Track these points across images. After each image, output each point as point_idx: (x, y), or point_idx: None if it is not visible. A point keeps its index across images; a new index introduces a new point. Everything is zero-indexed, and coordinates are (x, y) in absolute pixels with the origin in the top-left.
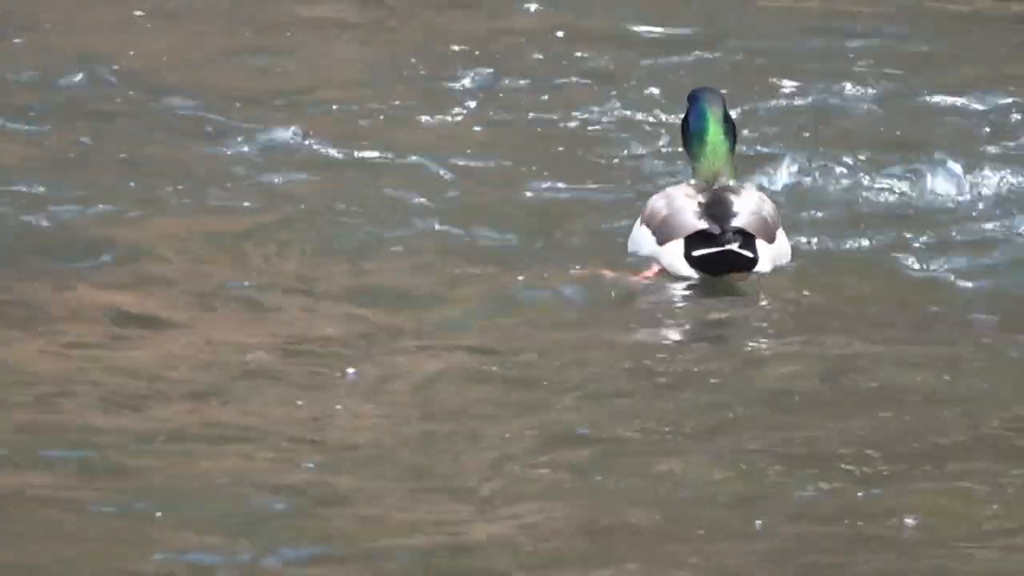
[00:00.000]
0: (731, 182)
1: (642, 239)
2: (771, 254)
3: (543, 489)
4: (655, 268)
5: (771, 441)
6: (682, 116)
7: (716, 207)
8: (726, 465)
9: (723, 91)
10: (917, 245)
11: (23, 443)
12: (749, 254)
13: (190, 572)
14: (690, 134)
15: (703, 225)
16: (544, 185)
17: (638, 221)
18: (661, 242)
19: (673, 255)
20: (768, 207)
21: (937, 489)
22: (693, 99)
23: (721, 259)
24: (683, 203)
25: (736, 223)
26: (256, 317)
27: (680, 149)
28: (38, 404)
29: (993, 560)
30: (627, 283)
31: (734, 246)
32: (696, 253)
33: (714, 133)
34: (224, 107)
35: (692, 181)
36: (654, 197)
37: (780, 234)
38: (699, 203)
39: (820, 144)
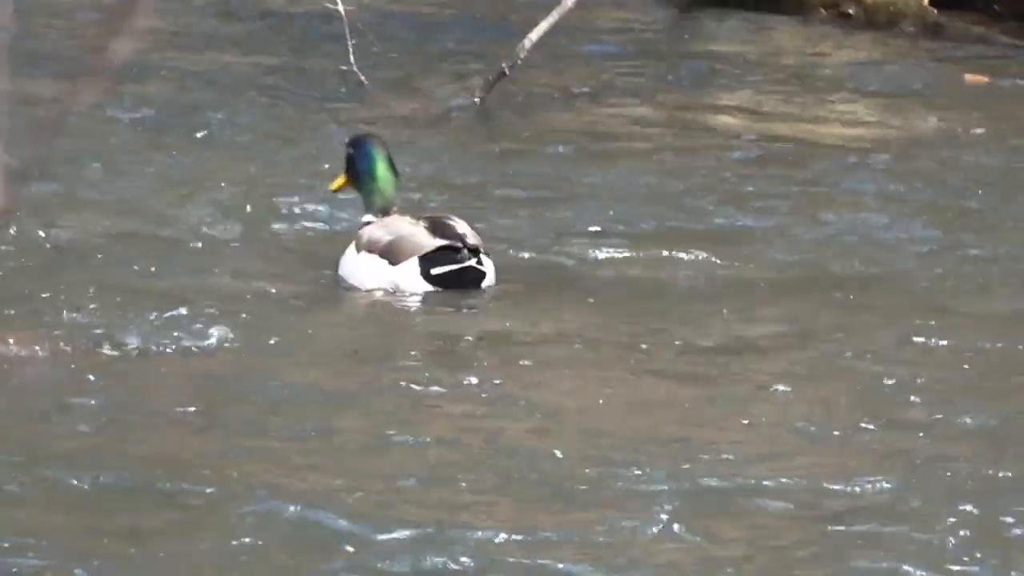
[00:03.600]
0: (397, 211)
1: (367, 265)
2: (494, 269)
3: None
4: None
5: None
6: (347, 159)
7: (443, 228)
8: None
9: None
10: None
11: None
12: (484, 269)
13: None
14: (359, 172)
15: (441, 242)
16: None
17: (351, 252)
18: (395, 263)
19: (409, 274)
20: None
21: None
22: (358, 143)
23: (460, 275)
24: (409, 227)
25: (469, 241)
26: None
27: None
28: None
29: None
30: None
31: (472, 262)
32: (437, 271)
33: (382, 169)
34: None
35: (367, 216)
36: (368, 228)
37: None
38: (425, 226)
39: None
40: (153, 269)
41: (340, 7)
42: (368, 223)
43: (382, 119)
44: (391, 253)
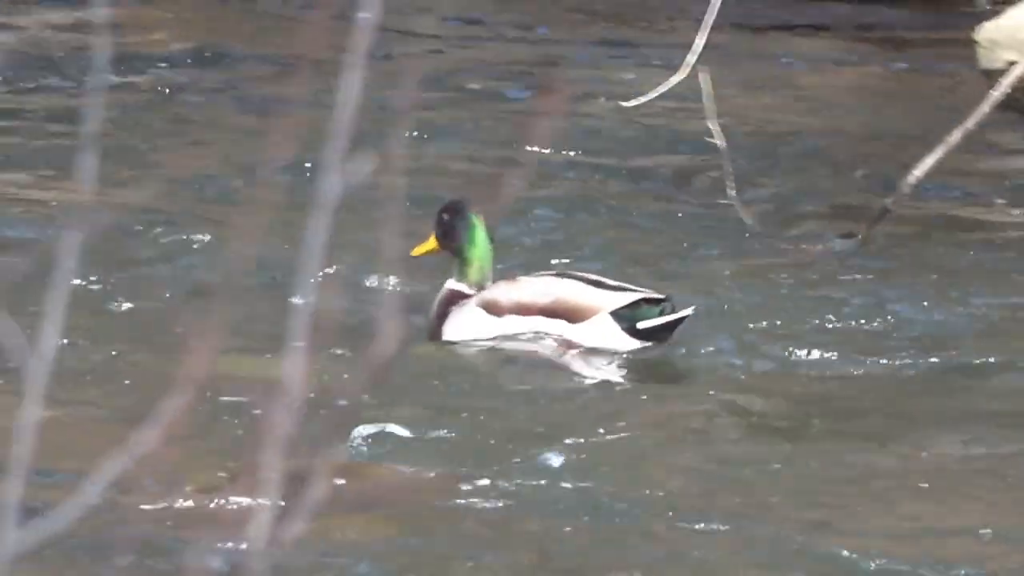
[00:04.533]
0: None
1: (536, 327)
2: None
3: None
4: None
5: None
6: (442, 224)
7: (597, 282)
8: None
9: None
10: None
11: None
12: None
13: None
14: (461, 240)
15: (632, 296)
16: None
17: (482, 317)
18: (576, 321)
19: (603, 330)
20: None
21: None
22: (458, 210)
23: (672, 326)
24: (561, 284)
25: (644, 291)
26: None
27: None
28: None
29: None
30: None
31: (690, 310)
32: (645, 324)
33: (484, 239)
34: None
35: (458, 285)
36: (494, 292)
37: None
38: (586, 280)
39: None
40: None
41: (720, 142)
42: (460, 292)
43: (761, 258)
44: (566, 312)
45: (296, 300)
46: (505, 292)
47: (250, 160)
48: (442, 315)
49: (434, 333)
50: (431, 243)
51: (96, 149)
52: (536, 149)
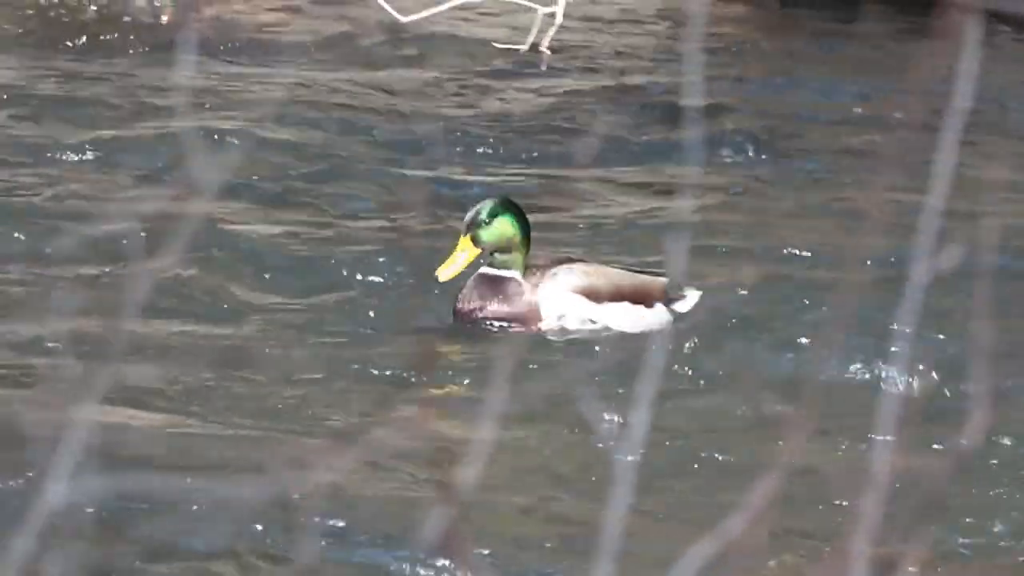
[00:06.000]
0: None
1: (626, 311)
2: None
3: None
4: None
5: None
6: (477, 225)
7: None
8: None
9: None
10: None
11: None
12: None
13: None
14: (503, 233)
15: (670, 280)
16: None
17: (584, 305)
18: (649, 306)
19: (663, 313)
20: None
21: None
22: (493, 207)
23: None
24: (624, 273)
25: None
26: None
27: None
28: None
29: None
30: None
31: (698, 293)
32: (686, 307)
33: (518, 232)
34: None
35: (496, 269)
36: (575, 277)
37: None
38: (629, 271)
39: None
40: None
41: None
42: (505, 276)
43: None
44: (644, 297)
45: (886, 387)
46: (599, 277)
47: (836, 246)
48: (498, 301)
49: (493, 318)
50: (469, 252)
51: (688, 233)
52: None
